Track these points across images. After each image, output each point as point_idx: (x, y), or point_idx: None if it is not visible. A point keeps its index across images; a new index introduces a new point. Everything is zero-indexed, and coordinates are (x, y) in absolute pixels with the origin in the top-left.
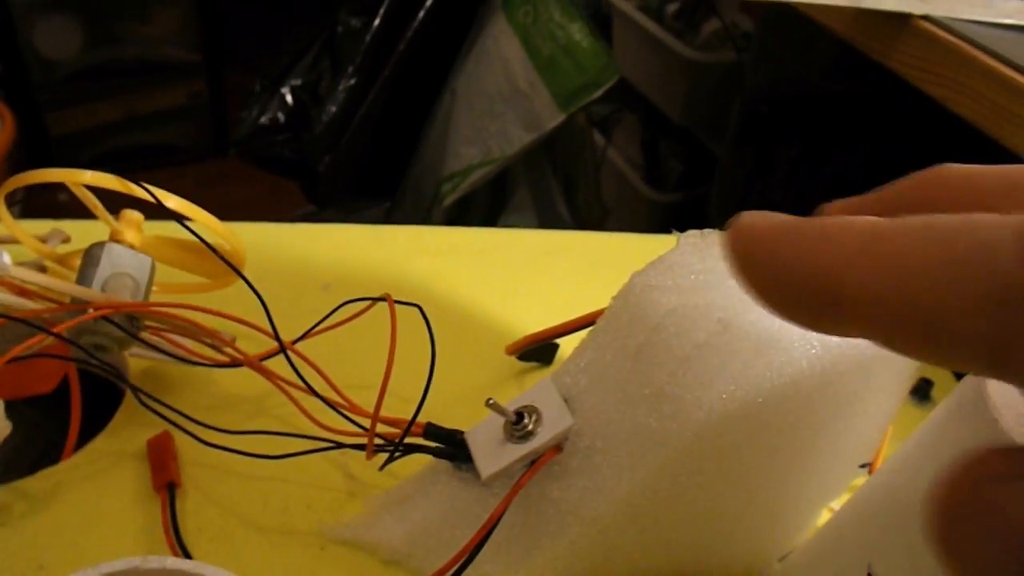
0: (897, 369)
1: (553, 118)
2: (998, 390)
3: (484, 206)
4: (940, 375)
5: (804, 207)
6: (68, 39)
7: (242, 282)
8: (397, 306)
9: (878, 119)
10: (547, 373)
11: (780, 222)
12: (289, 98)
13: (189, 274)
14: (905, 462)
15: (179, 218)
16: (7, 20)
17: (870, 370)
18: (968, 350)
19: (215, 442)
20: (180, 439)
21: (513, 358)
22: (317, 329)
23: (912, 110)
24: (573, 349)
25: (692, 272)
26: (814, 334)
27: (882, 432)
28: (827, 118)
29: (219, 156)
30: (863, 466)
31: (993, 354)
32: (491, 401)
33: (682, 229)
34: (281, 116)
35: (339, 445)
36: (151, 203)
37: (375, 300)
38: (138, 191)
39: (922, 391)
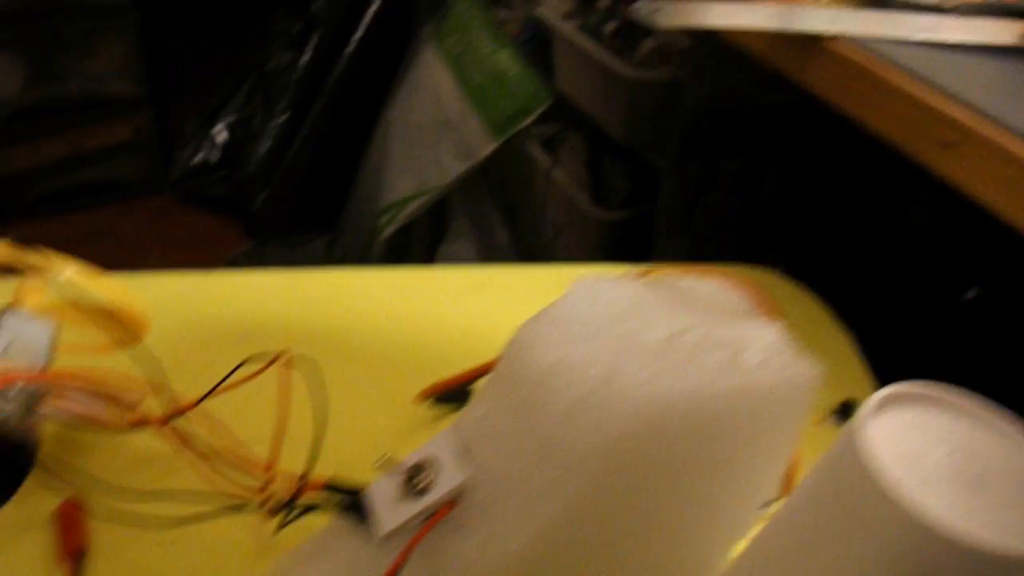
0: (785, 408)
1: (486, 146)
2: (878, 431)
3: (424, 236)
4: (865, 395)
5: (748, 219)
6: (9, 77)
7: (155, 337)
8: (303, 356)
9: (814, 130)
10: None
11: None
12: (222, 136)
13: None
14: (806, 492)
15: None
16: None
17: (754, 411)
18: None
19: (124, 508)
20: (92, 502)
21: (429, 403)
22: (224, 385)
23: (845, 119)
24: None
25: (579, 323)
26: (695, 379)
27: (781, 468)
28: (766, 130)
29: (166, 191)
30: (765, 505)
31: None
32: (380, 461)
33: (630, 247)
34: (215, 154)
35: (244, 504)
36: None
37: (272, 360)
38: (32, 261)
39: (845, 413)
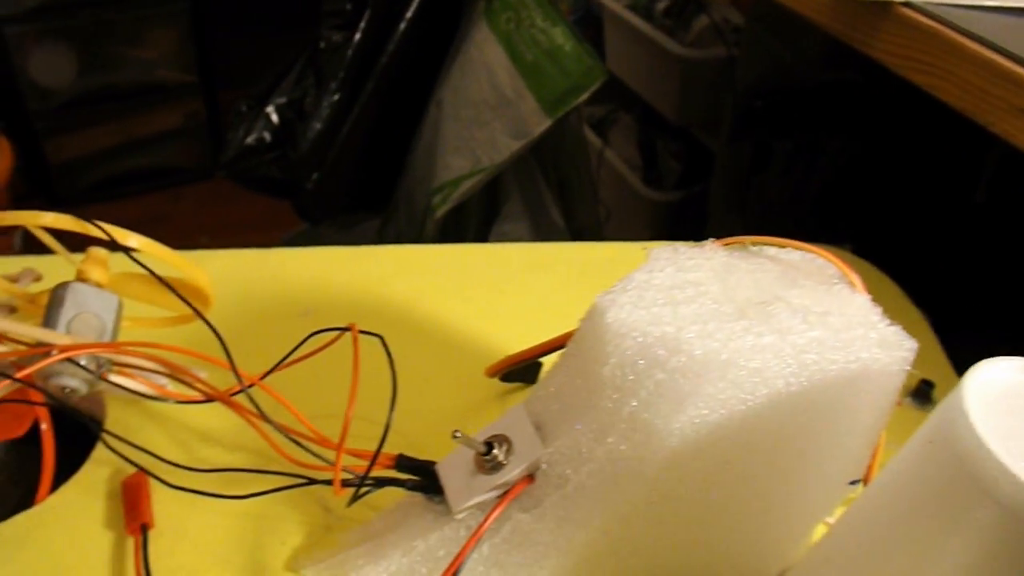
0: (880, 385)
1: (540, 124)
2: (976, 412)
3: (477, 216)
4: (940, 375)
5: (802, 200)
6: (63, 66)
7: (216, 312)
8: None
9: (871, 107)
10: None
11: None
12: (274, 117)
13: (157, 312)
14: (894, 476)
15: (140, 260)
16: (1, 49)
17: (851, 387)
18: None
19: (188, 483)
20: (157, 476)
21: (496, 380)
22: (288, 361)
23: (904, 97)
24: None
25: (660, 290)
26: (790, 353)
27: (871, 447)
28: (820, 109)
29: (217, 176)
30: (854, 482)
31: None
32: (458, 433)
33: (683, 228)
34: (267, 135)
35: (311, 481)
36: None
37: (341, 330)
38: (95, 231)
39: (923, 393)
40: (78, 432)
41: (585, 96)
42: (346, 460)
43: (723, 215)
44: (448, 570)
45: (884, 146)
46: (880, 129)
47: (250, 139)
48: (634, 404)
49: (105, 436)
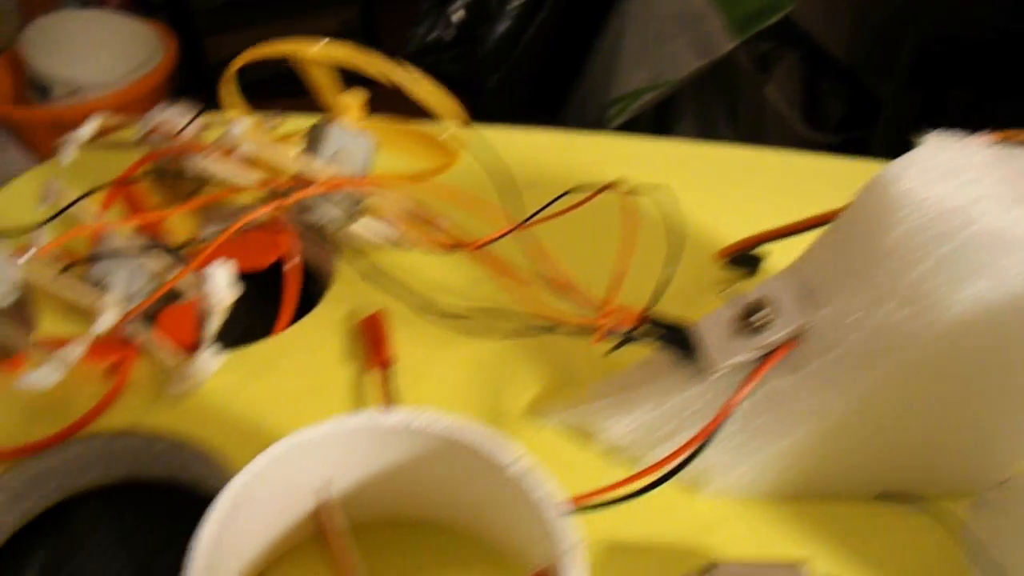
0: None
1: (726, 43)
2: None
3: (648, 131)
4: None
5: None
6: None
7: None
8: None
9: None
10: (751, 283)
11: None
12: (458, 15)
13: (406, 163)
14: None
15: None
16: None
17: None
18: None
19: (427, 327)
20: (394, 320)
21: (714, 266)
22: (539, 216)
23: None
24: (789, 256)
25: (944, 169)
26: None
27: None
28: (1006, 62)
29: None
30: None
31: None
32: (728, 290)
33: None
34: (449, 33)
35: (554, 327)
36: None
37: (603, 188)
38: (370, 64)
39: None
40: (312, 272)
41: (777, 17)
42: (592, 315)
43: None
44: (711, 424)
45: None
46: None
47: (431, 36)
48: (918, 273)
49: (339, 278)
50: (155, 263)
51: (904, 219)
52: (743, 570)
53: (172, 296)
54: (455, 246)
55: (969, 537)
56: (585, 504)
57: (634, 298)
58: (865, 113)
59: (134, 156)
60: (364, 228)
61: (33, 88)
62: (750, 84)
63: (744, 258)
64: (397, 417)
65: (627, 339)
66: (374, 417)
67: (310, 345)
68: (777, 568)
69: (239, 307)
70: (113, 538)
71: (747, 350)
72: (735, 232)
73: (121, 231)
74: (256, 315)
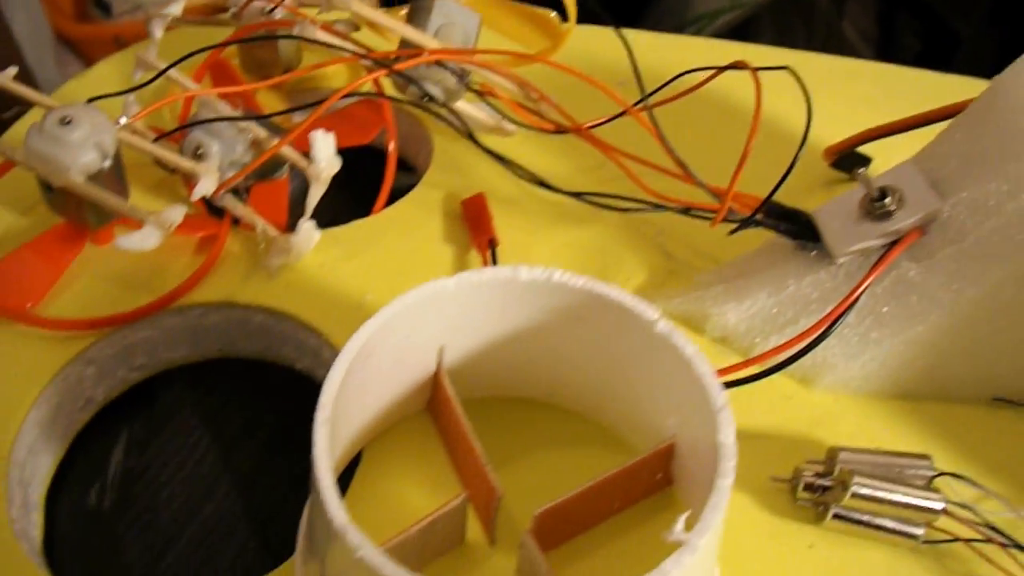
0: None
1: None
2: None
3: None
4: None
5: None
6: None
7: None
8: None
9: None
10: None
11: None
12: None
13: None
14: None
15: None
16: None
17: None
18: None
19: (533, 206)
20: (494, 203)
21: (819, 166)
22: (654, 99)
23: None
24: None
25: None
26: None
27: None
28: None
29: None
30: None
31: None
32: (860, 171)
33: None
34: None
35: (667, 209)
36: None
37: (726, 67)
38: None
39: None
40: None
41: None
42: (705, 198)
43: None
44: (837, 309)
45: None
46: None
47: None
48: None
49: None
50: (251, 134)
51: None
52: (869, 456)
53: (265, 172)
54: (562, 129)
55: None
56: None
57: (748, 187)
58: (942, 50)
59: (227, 32)
60: (469, 107)
61: (95, 5)
62: (824, 19)
63: (851, 158)
64: (537, 271)
65: (749, 221)
66: (514, 269)
67: (409, 225)
68: (904, 457)
69: (346, 184)
70: (199, 417)
71: (873, 236)
72: (838, 135)
73: (215, 102)
74: (342, 201)
